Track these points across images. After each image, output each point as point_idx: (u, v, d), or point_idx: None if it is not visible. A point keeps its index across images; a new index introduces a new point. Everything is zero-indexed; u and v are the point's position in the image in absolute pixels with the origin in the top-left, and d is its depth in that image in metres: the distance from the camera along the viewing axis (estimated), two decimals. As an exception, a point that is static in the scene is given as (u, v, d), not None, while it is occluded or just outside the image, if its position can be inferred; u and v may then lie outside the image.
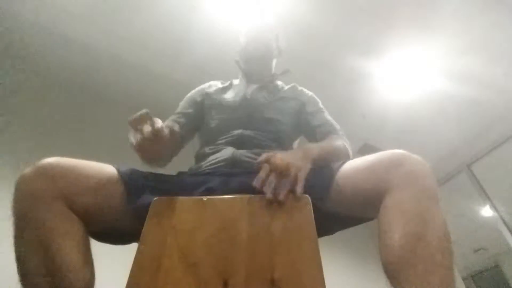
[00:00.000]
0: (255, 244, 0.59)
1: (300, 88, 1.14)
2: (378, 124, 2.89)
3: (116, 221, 0.67)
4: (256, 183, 0.63)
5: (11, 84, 2.25)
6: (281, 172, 0.64)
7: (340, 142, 0.89)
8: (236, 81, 1.13)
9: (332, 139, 0.90)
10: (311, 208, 0.63)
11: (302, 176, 0.64)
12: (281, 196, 0.61)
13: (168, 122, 1.00)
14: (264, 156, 0.68)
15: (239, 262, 0.57)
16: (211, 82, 1.14)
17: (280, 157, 0.66)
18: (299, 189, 0.62)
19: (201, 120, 1.05)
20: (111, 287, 0.82)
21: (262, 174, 0.64)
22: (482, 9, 2.09)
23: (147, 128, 0.66)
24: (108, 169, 0.70)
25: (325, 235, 0.72)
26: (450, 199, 3.42)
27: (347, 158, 0.83)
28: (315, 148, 0.78)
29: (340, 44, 2.33)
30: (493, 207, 3.02)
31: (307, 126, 1.03)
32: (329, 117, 1.04)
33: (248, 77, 1.11)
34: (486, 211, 3.44)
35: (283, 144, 0.96)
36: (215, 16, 2.13)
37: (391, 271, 0.49)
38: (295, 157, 0.69)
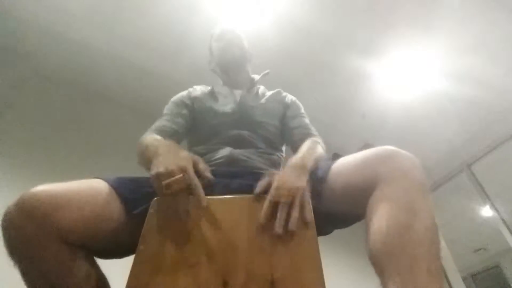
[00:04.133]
0: (255, 244, 0.59)
1: (284, 93, 1.15)
2: (378, 124, 2.89)
3: (118, 237, 0.65)
4: (262, 219, 0.60)
5: (11, 84, 2.25)
6: (286, 202, 0.61)
7: (319, 147, 0.91)
8: (218, 87, 1.13)
9: (311, 143, 0.91)
10: (311, 208, 0.63)
11: (307, 200, 0.63)
12: (292, 227, 0.58)
13: (166, 122, 0.98)
14: (263, 182, 0.66)
15: (239, 262, 0.57)
16: (195, 86, 1.13)
17: (280, 183, 0.63)
18: (308, 216, 0.60)
19: (192, 122, 1.05)
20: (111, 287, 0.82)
21: (266, 209, 0.61)
22: (482, 9, 2.09)
23: (184, 203, 0.60)
24: (101, 187, 0.65)
25: (322, 235, 0.72)
26: (450, 199, 3.42)
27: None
28: (307, 159, 0.76)
29: (340, 44, 2.33)
30: (493, 207, 3.02)
31: (285, 128, 1.05)
32: (307, 121, 1.07)
33: (230, 84, 1.12)
34: (486, 211, 3.45)
35: (273, 146, 0.98)
36: (215, 16, 2.13)
37: (377, 259, 0.49)
38: (294, 176, 0.67)
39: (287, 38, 2.24)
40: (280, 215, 0.59)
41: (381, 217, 0.52)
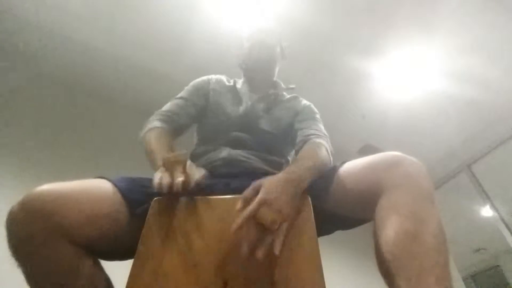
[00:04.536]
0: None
1: (300, 99, 1.12)
2: (378, 124, 2.89)
3: (122, 237, 0.64)
4: (233, 231, 0.55)
5: (11, 84, 2.25)
6: (264, 226, 0.56)
7: (322, 150, 0.83)
8: (239, 83, 1.11)
9: (313, 145, 0.85)
10: (311, 208, 0.63)
11: (283, 231, 0.57)
12: (259, 255, 0.54)
13: (179, 110, 0.99)
14: (248, 193, 0.60)
15: (239, 262, 0.56)
16: (218, 77, 1.11)
17: (268, 199, 0.57)
18: (277, 249, 0.55)
19: (204, 113, 1.03)
20: (111, 287, 0.82)
21: (240, 222, 0.55)
22: (482, 9, 2.09)
23: (179, 177, 0.61)
24: (105, 187, 0.65)
25: (323, 235, 0.72)
26: (450, 199, 3.42)
27: (329, 163, 0.81)
28: (306, 173, 0.69)
29: (340, 44, 2.33)
30: (493, 207, 3.02)
31: (292, 133, 1.00)
32: (316, 124, 0.99)
33: (251, 84, 1.10)
34: (486, 211, 3.44)
35: (273, 151, 0.95)
36: (215, 16, 2.13)
37: (385, 269, 0.49)
38: (284, 198, 0.59)
39: (287, 38, 2.23)
40: (252, 237, 0.55)
41: (388, 227, 0.52)
